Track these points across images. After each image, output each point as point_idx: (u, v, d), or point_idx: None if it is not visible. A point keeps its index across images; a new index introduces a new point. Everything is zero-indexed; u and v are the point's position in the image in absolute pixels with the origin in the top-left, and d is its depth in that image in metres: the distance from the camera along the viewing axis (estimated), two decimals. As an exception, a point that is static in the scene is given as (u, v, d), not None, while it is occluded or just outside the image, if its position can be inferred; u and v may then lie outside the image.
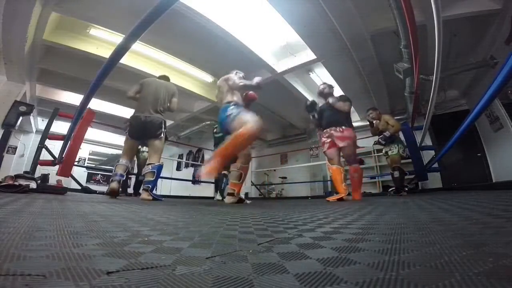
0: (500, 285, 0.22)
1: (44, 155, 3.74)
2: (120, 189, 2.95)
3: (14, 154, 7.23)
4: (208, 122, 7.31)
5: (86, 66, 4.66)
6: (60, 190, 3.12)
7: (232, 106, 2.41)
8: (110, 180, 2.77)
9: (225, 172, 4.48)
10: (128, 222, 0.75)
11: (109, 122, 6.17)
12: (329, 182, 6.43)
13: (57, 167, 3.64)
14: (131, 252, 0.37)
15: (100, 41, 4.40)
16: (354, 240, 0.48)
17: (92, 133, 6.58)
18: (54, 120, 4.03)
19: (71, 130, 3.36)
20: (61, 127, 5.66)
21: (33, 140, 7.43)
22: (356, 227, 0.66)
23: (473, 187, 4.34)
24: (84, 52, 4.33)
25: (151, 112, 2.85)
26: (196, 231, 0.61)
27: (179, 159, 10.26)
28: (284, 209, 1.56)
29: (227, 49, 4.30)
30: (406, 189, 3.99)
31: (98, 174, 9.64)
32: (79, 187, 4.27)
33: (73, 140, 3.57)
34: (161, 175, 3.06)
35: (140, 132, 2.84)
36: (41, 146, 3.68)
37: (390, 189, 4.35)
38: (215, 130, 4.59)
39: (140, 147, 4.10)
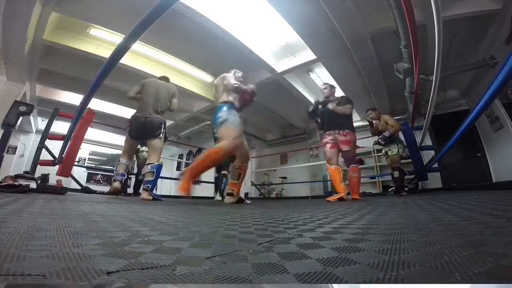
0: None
1: (44, 155, 3.75)
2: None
3: (14, 154, 7.24)
4: (208, 122, 7.30)
5: (86, 66, 4.65)
6: (60, 190, 3.12)
7: (225, 108, 2.43)
8: (113, 179, 2.84)
9: (225, 172, 4.49)
10: (128, 222, 0.75)
11: (109, 122, 6.18)
12: (329, 182, 6.43)
13: (57, 167, 3.64)
14: (131, 252, 0.37)
15: (100, 41, 4.40)
16: (354, 240, 0.48)
17: (92, 133, 6.58)
18: (54, 120, 4.03)
19: (71, 130, 3.36)
20: (61, 127, 5.66)
21: (33, 140, 7.42)
22: (356, 227, 0.66)
23: (473, 187, 4.33)
24: (84, 52, 4.33)
25: (151, 112, 2.87)
26: (196, 231, 0.61)
27: (179, 159, 10.26)
28: (284, 209, 1.56)
29: (227, 49, 4.30)
30: (406, 189, 4.00)
31: (98, 174, 9.63)
32: (79, 187, 4.27)
33: (73, 140, 3.57)
34: (161, 175, 3.08)
35: (139, 132, 2.86)
36: (41, 146, 3.68)
37: (390, 189, 4.35)
38: (214, 130, 4.59)
39: (139, 147, 4.11)
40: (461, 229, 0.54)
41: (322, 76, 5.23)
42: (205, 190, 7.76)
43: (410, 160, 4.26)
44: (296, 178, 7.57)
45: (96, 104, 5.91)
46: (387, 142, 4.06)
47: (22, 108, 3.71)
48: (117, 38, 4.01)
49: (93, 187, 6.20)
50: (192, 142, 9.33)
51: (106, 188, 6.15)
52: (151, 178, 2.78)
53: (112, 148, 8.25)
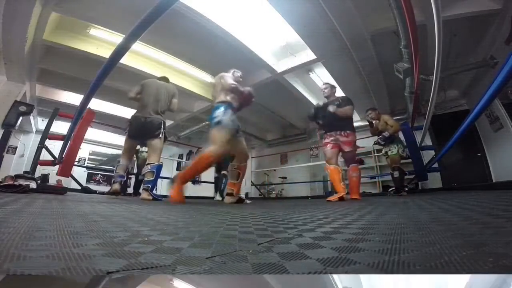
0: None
1: (44, 155, 3.75)
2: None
3: (14, 154, 7.23)
4: (208, 122, 7.31)
5: (86, 66, 4.65)
6: (60, 190, 3.13)
7: (222, 108, 2.42)
8: (112, 181, 2.90)
9: (225, 172, 4.49)
10: (128, 222, 0.75)
11: (109, 122, 6.18)
12: (329, 182, 6.43)
13: (57, 167, 3.64)
14: (131, 252, 0.37)
15: (100, 41, 4.40)
16: (354, 240, 0.48)
17: (92, 133, 6.57)
18: (54, 120, 4.03)
19: (71, 130, 3.36)
20: (61, 127, 5.65)
21: (33, 140, 7.42)
22: (356, 227, 0.66)
23: (473, 187, 4.33)
24: (84, 52, 4.33)
25: (151, 113, 2.88)
26: (196, 231, 0.61)
27: (179, 159, 10.25)
28: (284, 209, 1.56)
29: (227, 49, 4.30)
30: (406, 189, 4.00)
31: (98, 174, 9.63)
32: (79, 187, 4.27)
33: (73, 140, 3.57)
34: (161, 175, 3.09)
35: (139, 132, 2.87)
36: (41, 146, 3.69)
37: (390, 189, 4.35)
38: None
39: (139, 147, 4.11)
40: (461, 229, 0.54)
41: (322, 76, 5.23)
42: (205, 190, 7.76)
43: (410, 160, 4.26)
44: (296, 178, 7.58)
45: (96, 104, 5.90)
46: (387, 142, 4.07)
47: (22, 108, 3.70)
48: (117, 38, 4.01)
49: (93, 187, 6.20)
50: (192, 142, 9.32)
51: (106, 188, 6.15)
52: (151, 178, 2.79)
53: (112, 148, 8.25)
